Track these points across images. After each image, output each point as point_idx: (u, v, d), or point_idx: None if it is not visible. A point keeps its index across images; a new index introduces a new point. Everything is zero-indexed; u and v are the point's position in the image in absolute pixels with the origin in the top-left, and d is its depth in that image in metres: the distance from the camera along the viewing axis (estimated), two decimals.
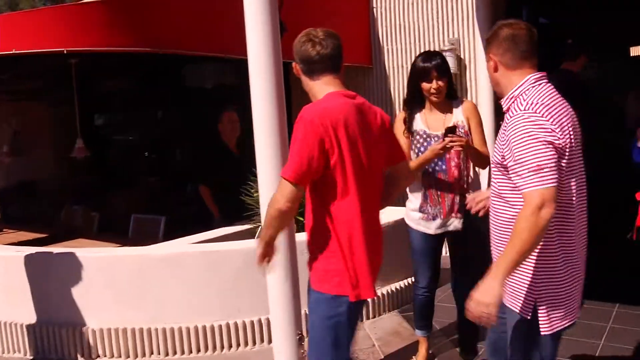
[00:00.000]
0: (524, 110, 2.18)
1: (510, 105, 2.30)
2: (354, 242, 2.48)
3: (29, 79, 7.82)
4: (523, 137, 2.13)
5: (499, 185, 2.34)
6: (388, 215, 5.13)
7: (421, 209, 3.58)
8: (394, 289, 4.92)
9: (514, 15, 6.27)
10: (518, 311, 2.29)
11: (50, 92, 9.28)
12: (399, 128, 3.56)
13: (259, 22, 3.02)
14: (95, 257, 4.35)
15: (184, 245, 4.42)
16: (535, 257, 2.20)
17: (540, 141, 2.10)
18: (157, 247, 4.39)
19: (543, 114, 2.16)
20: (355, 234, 2.48)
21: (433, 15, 6.64)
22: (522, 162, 2.11)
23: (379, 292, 4.76)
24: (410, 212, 3.68)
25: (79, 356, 4.27)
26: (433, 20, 6.65)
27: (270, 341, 3.85)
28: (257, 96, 3.08)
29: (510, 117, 2.24)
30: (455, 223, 3.54)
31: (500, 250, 2.29)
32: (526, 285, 2.26)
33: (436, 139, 3.42)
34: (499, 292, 2.04)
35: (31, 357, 4.39)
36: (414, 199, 3.64)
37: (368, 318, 4.69)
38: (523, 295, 2.27)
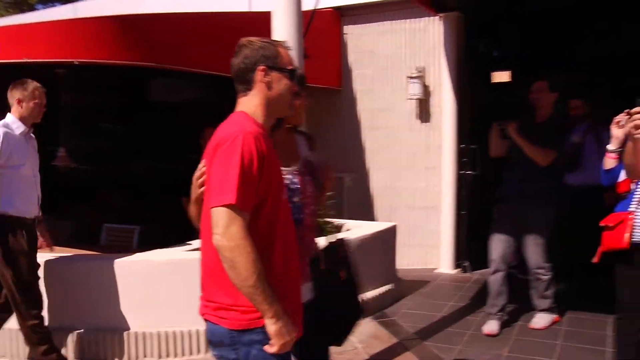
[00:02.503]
0: None
1: None
2: None
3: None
4: None
5: None
6: (366, 228, 5.55)
7: None
8: (368, 297, 5.28)
9: (473, 47, 6.87)
10: None
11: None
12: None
13: None
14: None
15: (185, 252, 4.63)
16: None
17: None
18: (161, 252, 4.58)
19: None
20: None
21: (401, 44, 7.15)
22: None
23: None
24: None
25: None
26: (401, 49, 7.15)
27: None
28: None
29: None
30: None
31: None
32: None
33: (290, 177, 2.52)
34: None
35: None
36: None
37: None
38: None
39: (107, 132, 9.61)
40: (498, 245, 4.75)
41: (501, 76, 8.29)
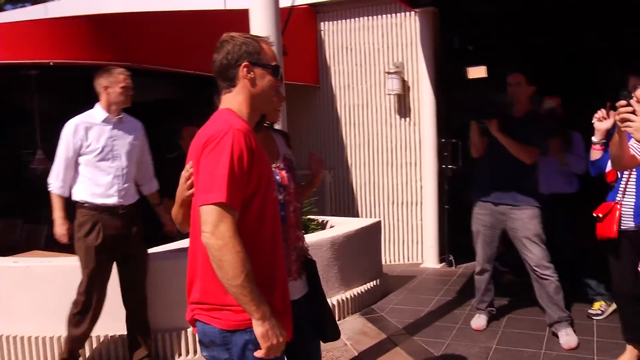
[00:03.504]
0: None
1: None
2: None
3: None
4: None
5: None
6: (351, 224, 5.51)
7: None
8: (355, 293, 5.24)
9: (448, 42, 6.89)
10: None
11: None
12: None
13: None
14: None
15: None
16: None
17: None
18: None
19: None
20: None
21: (378, 40, 7.13)
22: None
23: (342, 297, 5.08)
24: None
25: None
26: (378, 44, 7.14)
27: None
28: None
29: None
30: (297, 286, 2.52)
31: None
32: None
33: (276, 173, 2.49)
34: None
35: None
36: None
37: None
38: None
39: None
40: (483, 247, 4.65)
41: (478, 72, 8.21)
